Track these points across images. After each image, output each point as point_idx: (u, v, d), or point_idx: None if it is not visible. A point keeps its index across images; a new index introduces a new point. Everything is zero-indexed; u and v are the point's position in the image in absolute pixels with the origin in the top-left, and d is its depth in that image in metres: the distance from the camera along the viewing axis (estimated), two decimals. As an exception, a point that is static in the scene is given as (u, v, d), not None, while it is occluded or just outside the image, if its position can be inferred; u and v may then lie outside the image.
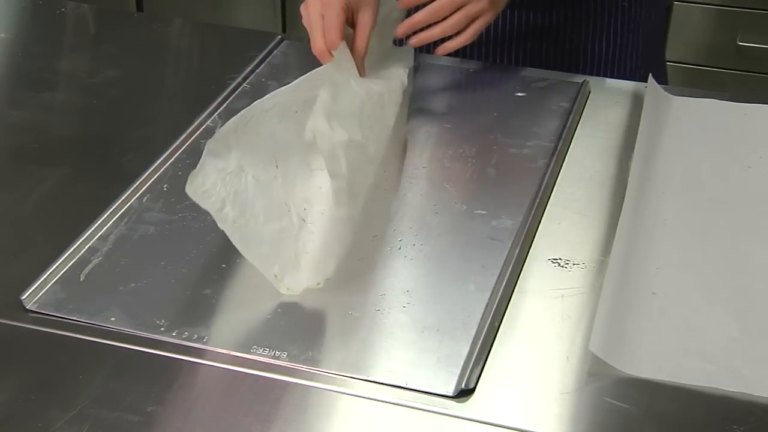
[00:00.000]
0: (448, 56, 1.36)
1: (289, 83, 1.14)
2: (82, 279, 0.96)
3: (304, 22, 1.14)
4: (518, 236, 1.01)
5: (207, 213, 1.04)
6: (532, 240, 1.02)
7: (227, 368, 0.87)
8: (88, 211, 1.04)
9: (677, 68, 2.35)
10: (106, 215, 1.03)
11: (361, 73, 1.13)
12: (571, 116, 1.20)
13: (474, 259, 0.99)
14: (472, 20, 1.16)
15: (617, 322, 0.90)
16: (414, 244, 1.01)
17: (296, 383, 0.86)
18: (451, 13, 1.15)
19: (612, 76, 1.35)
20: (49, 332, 0.91)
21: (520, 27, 1.33)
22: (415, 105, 1.23)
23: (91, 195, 1.08)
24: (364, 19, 1.14)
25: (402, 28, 1.16)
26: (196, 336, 0.90)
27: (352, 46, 1.13)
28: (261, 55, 1.32)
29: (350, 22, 1.15)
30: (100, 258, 0.99)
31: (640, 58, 1.35)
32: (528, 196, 1.07)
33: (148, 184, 1.09)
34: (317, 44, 1.11)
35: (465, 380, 0.85)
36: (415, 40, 1.17)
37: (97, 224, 1.02)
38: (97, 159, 1.15)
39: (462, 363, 0.87)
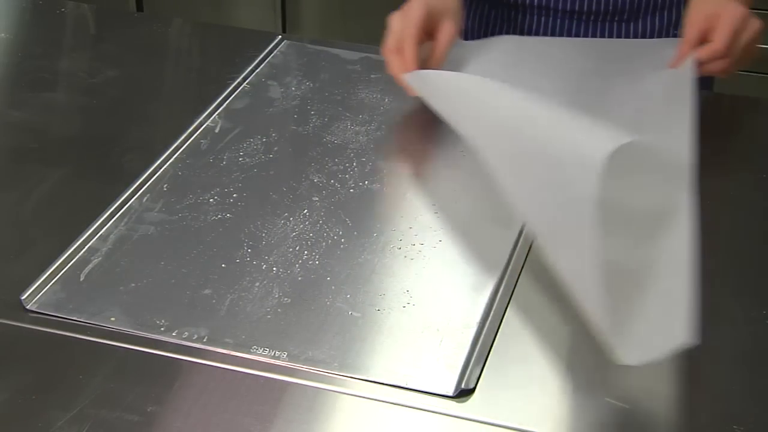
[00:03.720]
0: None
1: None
2: (82, 279, 0.96)
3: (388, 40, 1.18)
4: (518, 236, 1.01)
5: (207, 213, 1.04)
6: (532, 240, 1.01)
7: (227, 368, 0.87)
8: (88, 211, 1.04)
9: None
10: (106, 215, 1.03)
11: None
12: (571, 116, 1.20)
13: (474, 259, 0.99)
14: (744, 52, 1.15)
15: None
16: (414, 244, 1.01)
17: (296, 383, 0.86)
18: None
19: None
20: (49, 332, 0.91)
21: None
22: (414, 105, 1.23)
23: (91, 195, 1.08)
24: (445, 30, 1.17)
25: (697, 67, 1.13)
26: (196, 336, 0.90)
27: (429, 57, 1.17)
28: (261, 55, 1.32)
29: (432, 32, 1.18)
30: (100, 258, 0.99)
31: None
32: (528, 196, 1.07)
33: (148, 184, 1.09)
34: (399, 72, 1.16)
35: (465, 380, 0.86)
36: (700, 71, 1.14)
37: (97, 224, 1.02)
38: (97, 159, 1.15)
39: (462, 363, 0.87)
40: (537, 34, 1.33)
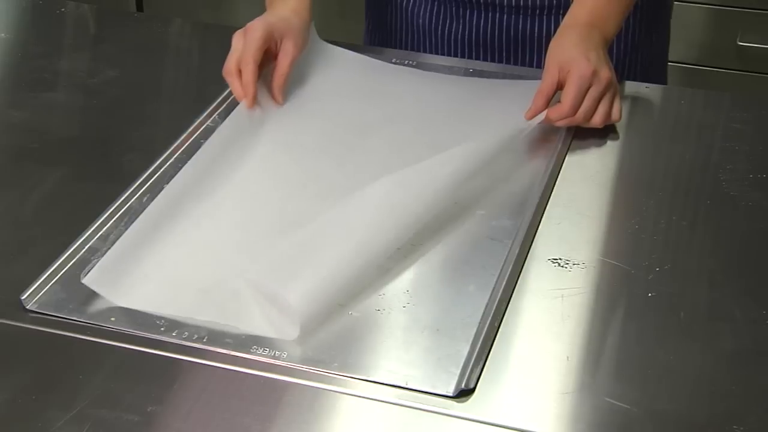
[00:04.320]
0: (449, 57, 1.37)
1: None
2: (82, 279, 0.96)
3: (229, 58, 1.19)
4: (518, 236, 1.01)
5: (207, 213, 1.04)
6: (532, 240, 1.02)
7: (227, 368, 0.87)
8: (88, 211, 1.04)
9: (677, 68, 2.35)
10: (106, 215, 1.03)
11: (277, 100, 1.19)
12: (571, 116, 1.20)
13: (474, 259, 0.99)
14: (598, 102, 1.16)
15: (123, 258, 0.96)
16: (414, 244, 1.01)
17: (296, 383, 0.86)
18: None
19: None
20: (49, 332, 0.91)
21: (524, 36, 1.35)
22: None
23: (91, 195, 1.08)
24: (286, 50, 1.19)
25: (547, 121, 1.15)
26: (196, 336, 0.90)
27: (272, 75, 1.19)
28: (261, 55, 1.32)
29: (274, 51, 1.20)
30: (100, 258, 0.99)
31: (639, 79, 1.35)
32: (528, 196, 1.07)
33: (148, 184, 1.09)
34: (238, 95, 1.17)
35: (465, 380, 0.85)
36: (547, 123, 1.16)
37: (97, 224, 1.02)
38: (97, 159, 1.15)
39: (462, 363, 0.87)
40: (485, 30, 1.35)
